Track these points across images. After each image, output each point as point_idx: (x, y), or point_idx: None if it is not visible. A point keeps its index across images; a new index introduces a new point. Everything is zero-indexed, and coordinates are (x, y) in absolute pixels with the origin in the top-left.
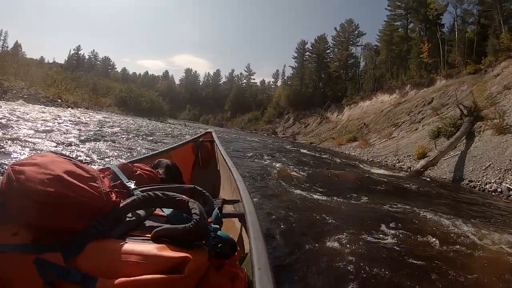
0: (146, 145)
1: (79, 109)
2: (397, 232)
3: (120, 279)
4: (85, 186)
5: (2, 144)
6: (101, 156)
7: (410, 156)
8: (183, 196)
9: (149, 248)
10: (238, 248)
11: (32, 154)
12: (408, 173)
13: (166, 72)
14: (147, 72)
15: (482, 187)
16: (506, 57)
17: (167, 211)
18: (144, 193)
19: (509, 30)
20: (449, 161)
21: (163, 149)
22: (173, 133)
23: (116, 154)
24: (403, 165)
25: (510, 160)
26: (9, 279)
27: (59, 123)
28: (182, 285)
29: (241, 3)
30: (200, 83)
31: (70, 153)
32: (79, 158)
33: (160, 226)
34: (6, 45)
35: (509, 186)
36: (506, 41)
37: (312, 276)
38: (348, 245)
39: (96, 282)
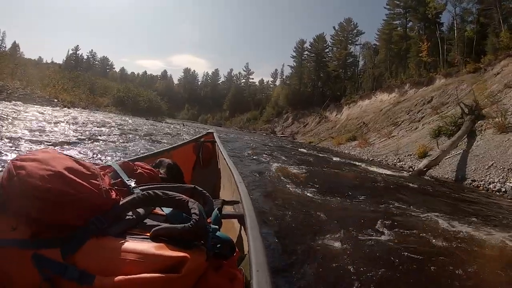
0: (136, 145)
1: (76, 109)
2: (399, 233)
3: (117, 277)
4: (85, 183)
5: None
6: (88, 156)
7: (411, 155)
8: (183, 196)
9: (148, 246)
10: (237, 249)
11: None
12: (411, 173)
13: (165, 72)
14: (145, 72)
15: (485, 187)
16: (506, 55)
17: (166, 211)
18: (144, 192)
19: (509, 29)
20: (450, 160)
21: (164, 148)
22: (164, 132)
23: (104, 154)
24: (404, 164)
25: None
26: (7, 274)
27: (53, 123)
28: (180, 285)
29: (241, 3)
30: (199, 83)
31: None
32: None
33: (159, 225)
34: (4, 45)
35: None
36: (506, 40)
37: (311, 277)
38: (347, 246)
39: (94, 279)
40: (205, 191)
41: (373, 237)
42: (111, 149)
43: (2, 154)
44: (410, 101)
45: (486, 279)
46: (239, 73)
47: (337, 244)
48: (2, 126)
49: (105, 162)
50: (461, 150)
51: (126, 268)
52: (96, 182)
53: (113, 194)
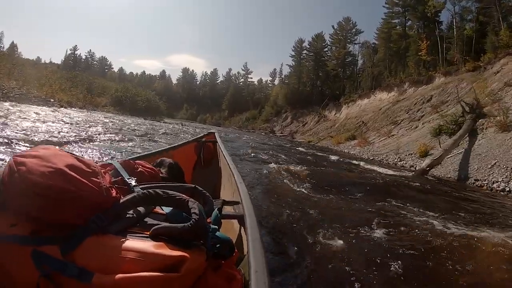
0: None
1: (72, 108)
2: (403, 234)
3: (116, 275)
4: (86, 181)
5: None
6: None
7: (411, 154)
8: (184, 195)
9: (147, 245)
10: (236, 250)
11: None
12: (413, 172)
13: (163, 71)
14: (144, 72)
15: (489, 186)
16: (506, 54)
17: (166, 210)
18: (145, 191)
19: (508, 27)
20: (452, 159)
21: (166, 148)
22: (161, 133)
23: (90, 156)
24: (405, 163)
25: None
26: (5, 269)
27: (43, 122)
28: (179, 284)
29: (239, 3)
30: (197, 83)
31: None
32: None
33: (159, 224)
34: (2, 45)
35: None
36: (505, 38)
37: (311, 278)
38: (348, 246)
39: (93, 276)
40: (205, 191)
41: (375, 237)
42: (96, 149)
43: None
44: (409, 100)
45: (487, 279)
46: (238, 72)
47: (337, 244)
48: None
49: (106, 160)
50: (463, 149)
51: (126, 266)
52: (96, 180)
53: (114, 192)
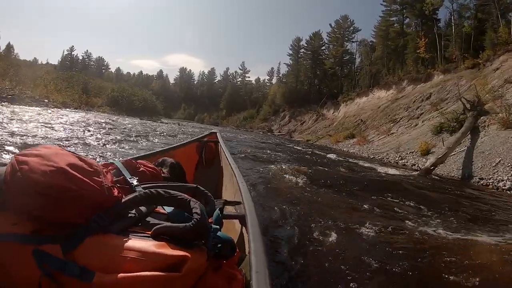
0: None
1: (67, 109)
2: (407, 234)
3: (118, 274)
4: (87, 180)
5: None
6: None
7: (413, 152)
8: (185, 195)
9: (149, 245)
10: (238, 250)
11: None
12: (418, 171)
13: (161, 71)
14: (141, 72)
15: (495, 185)
16: (505, 51)
17: (168, 209)
18: (146, 190)
19: (507, 24)
20: (455, 157)
21: (167, 147)
22: (156, 133)
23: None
24: (407, 162)
25: None
26: (6, 268)
27: (29, 123)
28: (180, 284)
29: (237, 3)
30: (195, 82)
31: None
32: None
33: (160, 224)
34: None
35: None
36: (504, 35)
37: (311, 280)
38: (352, 248)
39: (94, 276)
40: (207, 191)
41: (378, 238)
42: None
43: None
44: (408, 97)
45: (487, 279)
46: (235, 72)
47: (340, 245)
48: None
49: (107, 160)
50: (465, 147)
51: (127, 265)
52: (98, 179)
53: (115, 192)
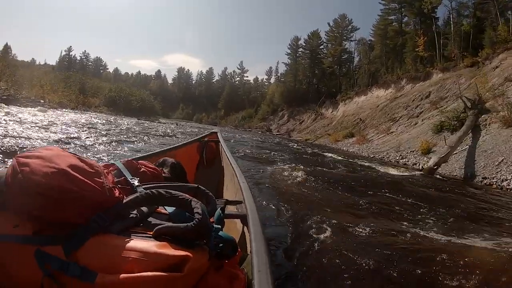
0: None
1: (63, 109)
2: (409, 238)
3: (120, 274)
4: (89, 181)
5: None
6: None
7: (413, 151)
8: (186, 195)
9: (150, 245)
10: (239, 249)
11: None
12: (421, 171)
13: (159, 71)
14: (139, 72)
15: (499, 185)
16: (504, 49)
17: (169, 209)
18: (147, 191)
19: (506, 22)
20: (457, 156)
21: (168, 148)
22: (150, 134)
23: None
24: (407, 161)
25: None
26: (7, 269)
27: (20, 124)
28: (182, 284)
29: (236, 3)
30: (193, 82)
31: None
32: None
33: (162, 224)
34: None
35: None
36: (504, 33)
37: (313, 279)
38: (351, 249)
39: (96, 276)
40: (208, 191)
41: (379, 239)
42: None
43: None
44: (407, 96)
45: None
46: (233, 71)
47: (341, 244)
48: None
49: (108, 160)
50: (467, 146)
51: (128, 266)
52: (99, 180)
53: (117, 192)
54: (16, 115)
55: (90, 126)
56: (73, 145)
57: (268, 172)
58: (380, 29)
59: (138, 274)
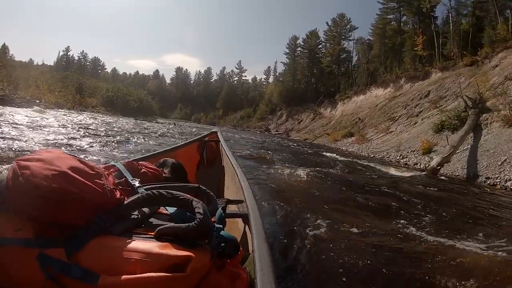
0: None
1: (60, 110)
2: (411, 240)
3: (122, 276)
4: (89, 183)
5: None
6: None
7: (414, 151)
8: (187, 195)
9: (152, 246)
10: (241, 249)
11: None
12: (424, 171)
13: (157, 71)
14: (137, 72)
15: (503, 185)
16: (503, 48)
17: (171, 210)
18: (148, 191)
19: (505, 21)
20: (459, 156)
21: (168, 148)
22: (146, 134)
23: None
24: (408, 161)
25: None
26: (8, 271)
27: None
28: (184, 284)
29: (234, 3)
30: (191, 82)
31: None
32: None
33: (163, 225)
34: None
35: None
36: (503, 32)
37: (315, 278)
38: (353, 249)
39: (98, 278)
40: (209, 191)
41: (380, 239)
42: None
43: None
44: (406, 95)
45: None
46: (232, 71)
47: (343, 245)
48: None
49: (109, 162)
50: (469, 145)
51: (131, 267)
52: (100, 181)
53: (118, 194)
54: (9, 115)
55: (85, 126)
56: (69, 148)
57: (268, 172)
58: (379, 28)
59: (141, 275)
